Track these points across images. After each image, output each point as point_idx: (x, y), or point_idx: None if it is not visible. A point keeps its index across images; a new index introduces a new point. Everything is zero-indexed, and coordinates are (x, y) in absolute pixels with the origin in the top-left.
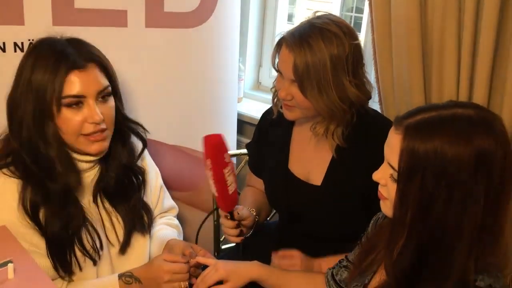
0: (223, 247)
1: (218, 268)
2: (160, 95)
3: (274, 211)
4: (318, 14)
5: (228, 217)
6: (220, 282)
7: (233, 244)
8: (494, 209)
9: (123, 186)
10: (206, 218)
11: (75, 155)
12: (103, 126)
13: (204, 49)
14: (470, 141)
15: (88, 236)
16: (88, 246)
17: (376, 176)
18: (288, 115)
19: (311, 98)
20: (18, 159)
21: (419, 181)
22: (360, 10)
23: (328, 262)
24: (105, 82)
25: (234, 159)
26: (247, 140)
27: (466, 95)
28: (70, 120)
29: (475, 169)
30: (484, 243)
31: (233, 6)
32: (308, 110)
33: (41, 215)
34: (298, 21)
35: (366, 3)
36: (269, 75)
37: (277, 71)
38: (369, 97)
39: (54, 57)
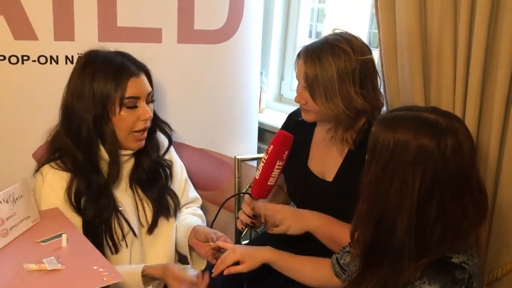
0: (243, 242)
1: (235, 251)
2: (190, 103)
3: None
4: (336, 31)
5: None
6: (237, 263)
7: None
8: (430, 200)
9: (153, 177)
10: (228, 199)
11: (119, 150)
12: (149, 124)
13: (229, 63)
14: (416, 139)
15: (117, 226)
16: (117, 234)
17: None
18: (305, 116)
19: (320, 104)
20: (67, 154)
21: (376, 162)
22: None
23: (316, 215)
24: (150, 87)
25: (254, 163)
26: None
27: (462, 99)
28: (127, 118)
29: (414, 162)
30: (435, 227)
31: (256, 24)
32: (320, 114)
33: (82, 202)
34: None
35: None
36: (290, 88)
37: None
38: (377, 107)
39: (115, 68)
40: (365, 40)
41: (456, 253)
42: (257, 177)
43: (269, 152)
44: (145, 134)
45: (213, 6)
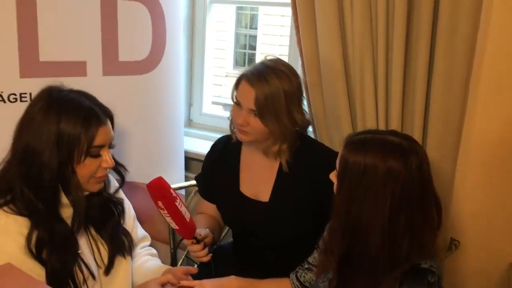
0: None
1: (204, 286)
2: (118, 136)
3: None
4: (269, 57)
5: (194, 242)
6: None
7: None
8: (399, 214)
9: (105, 214)
10: (176, 249)
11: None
12: (109, 170)
13: (155, 92)
14: (385, 161)
15: (79, 272)
16: (79, 280)
17: (331, 176)
18: (243, 138)
19: (269, 123)
20: (20, 197)
21: (347, 182)
22: (252, 47)
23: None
24: (113, 133)
25: (183, 191)
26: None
27: (383, 120)
28: (89, 166)
29: (384, 181)
30: (404, 237)
31: (178, 54)
32: (260, 134)
33: (45, 251)
34: None
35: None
36: (200, 113)
37: (235, 102)
38: (309, 123)
39: (84, 112)
40: None
41: (424, 259)
42: (177, 227)
43: (162, 207)
44: (105, 176)
45: (137, 37)
